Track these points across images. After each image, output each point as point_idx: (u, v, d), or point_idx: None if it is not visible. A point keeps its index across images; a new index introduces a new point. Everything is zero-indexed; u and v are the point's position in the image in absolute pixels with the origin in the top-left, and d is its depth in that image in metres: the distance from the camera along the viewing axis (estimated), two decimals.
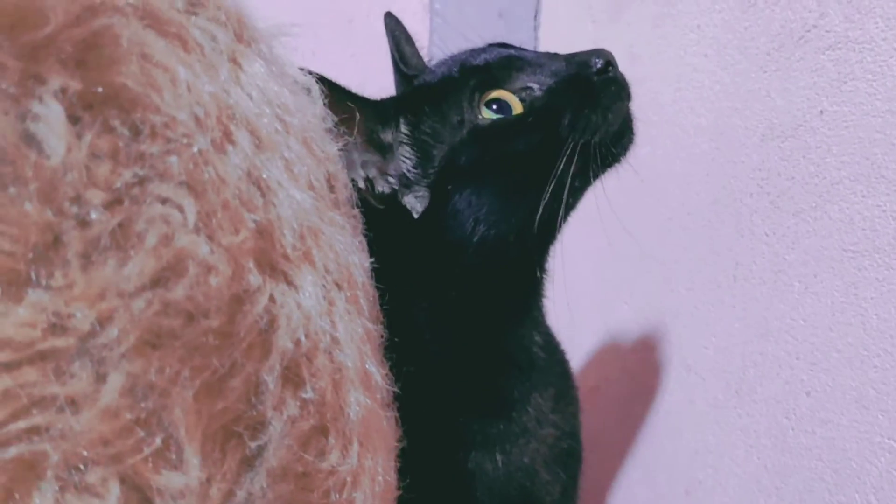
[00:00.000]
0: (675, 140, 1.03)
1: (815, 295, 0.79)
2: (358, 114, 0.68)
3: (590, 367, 1.22)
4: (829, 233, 0.77)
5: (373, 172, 0.72)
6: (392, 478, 0.54)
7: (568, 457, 0.80)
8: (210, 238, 0.40)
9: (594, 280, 1.24)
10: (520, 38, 1.21)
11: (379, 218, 0.65)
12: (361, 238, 0.59)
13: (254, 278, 0.42)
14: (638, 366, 1.10)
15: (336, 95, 0.64)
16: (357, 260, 0.54)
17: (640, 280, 0.92)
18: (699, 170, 0.98)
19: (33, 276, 0.35)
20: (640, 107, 1.07)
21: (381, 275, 0.60)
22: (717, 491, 0.92)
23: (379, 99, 0.74)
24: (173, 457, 0.39)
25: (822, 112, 0.79)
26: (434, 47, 1.57)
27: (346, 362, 0.48)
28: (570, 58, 0.72)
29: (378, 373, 0.53)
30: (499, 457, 0.74)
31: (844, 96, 0.76)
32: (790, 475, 0.81)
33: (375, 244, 0.60)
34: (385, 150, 0.72)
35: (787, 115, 0.83)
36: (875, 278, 0.72)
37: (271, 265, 0.44)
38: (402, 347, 0.61)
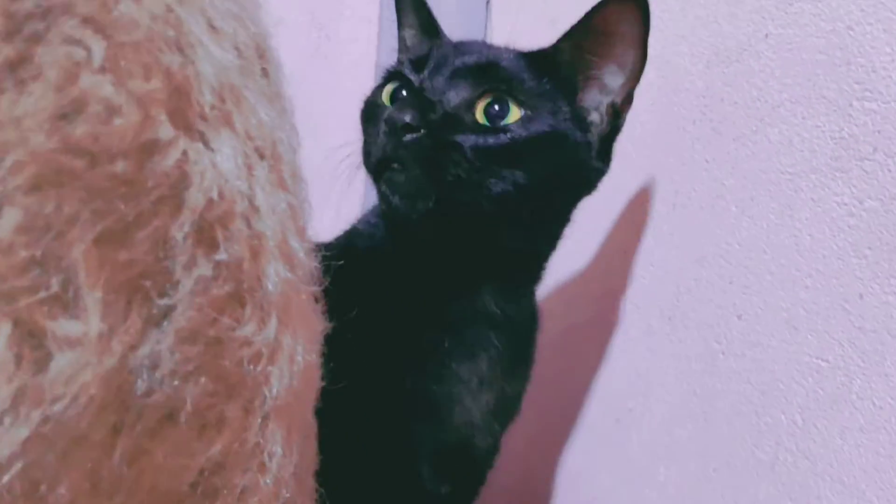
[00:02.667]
0: None
1: (750, 218, 0.79)
2: None
3: None
4: (767, 156, 0.77)
5: None
6: (314, 360, 0.53)
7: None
8: (117, 80, 0.38)
9: None
10: None
11: None
12: (293, 124, 0.57)
13: (164, 130, 0.40)
14: (574, 298, 1.10)
15: None
16: (284, 137, 0.52)
17: (579, 211, 0.91)
18: (644, 100, 0.97)
19: None
20: None
21: None
22: (646, 417, 0.93)
23: None
24: (71, 303, 0.37)
25: (767, 35, 0.78)
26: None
27: (265, 232, 0.46)
28: None
29: (301, 249, 0.51)
30: (434, 386, 0.74)
31: (790, 18, 0.76)
32: (718, 399, 0.82)
33: None
34: None
35: (733, 40, 0.83)
36: (811, 199, 0.72)
37: (186, 123, 0.42)
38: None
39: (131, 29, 0.39)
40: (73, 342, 0.37)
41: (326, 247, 0.71)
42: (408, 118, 0.66)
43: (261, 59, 0.51)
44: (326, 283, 0.57)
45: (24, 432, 0.36)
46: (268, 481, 0.47)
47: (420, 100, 0.70)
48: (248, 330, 0.45)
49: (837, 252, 0.69)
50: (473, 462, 0.81)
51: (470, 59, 0.73)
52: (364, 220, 0.84)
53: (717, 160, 0.84)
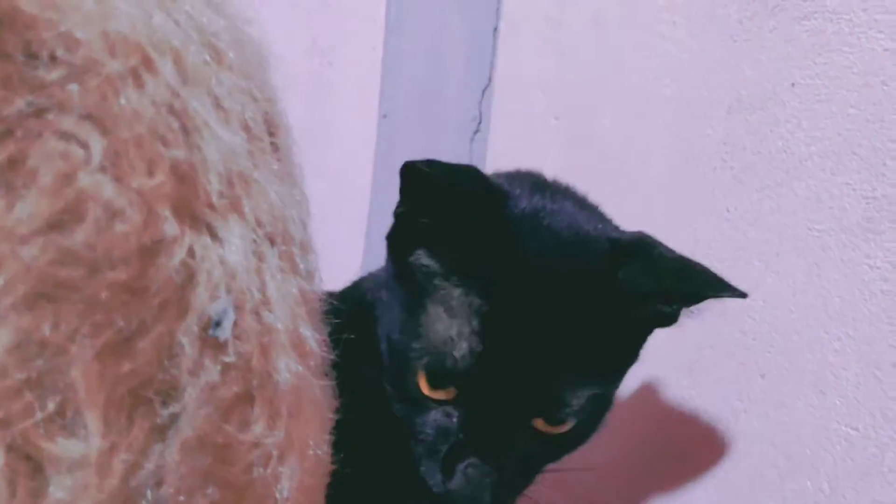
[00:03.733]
0: (638, 111, 1.00)
1: (776, 274, 0.76)
2: None
3: None
4: (793, 210, 0.75)
5: None
6: (325, 452, 0.50)
7: None
8: (118, 179, 0.35)
9: None
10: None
11: None
12: (302, 191, 0.54)
13: (170, 227, 0.37)
14: None
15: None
16: (295, 214, 0.49)
17: None
18: (661, 142, 0.94)
19: None
20: (603, 76, 1.03)
21: None
22: (666, 473, 0.90)
23: None
24: (70, 423, 0.34)
25: (793, 84, 0.76)
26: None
27: (276, 325, 0.43)
28: None
29: (313, 337, 0.48)
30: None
31: (818, 69, 0.73)
32: (740, 460, 0.79)
33: None
34: None
35: (757, 87, 0.80)
36: (840, 259, 0.69)
37: (192, 214, 0.39)
38: None
39: (133, 121, 0.37)
40: (72, 464, 0.34)
41: (336, 297, 0.68)
42: None
43: (270, 133, 0.49)
44: (336, 337, 0.54)
45: None
46: None
47: (487, 476, 0.60)
48: (257, 431, 0.42)
49: (869, 317, 0.67)
50: None
51: (531, 379, 0.59)
52: (378, 274, 0.78)
53: (740, 210, 0.81)
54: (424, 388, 0.61)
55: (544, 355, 0.59)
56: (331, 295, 0.64)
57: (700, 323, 0.84)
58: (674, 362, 0.89)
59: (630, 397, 0.97)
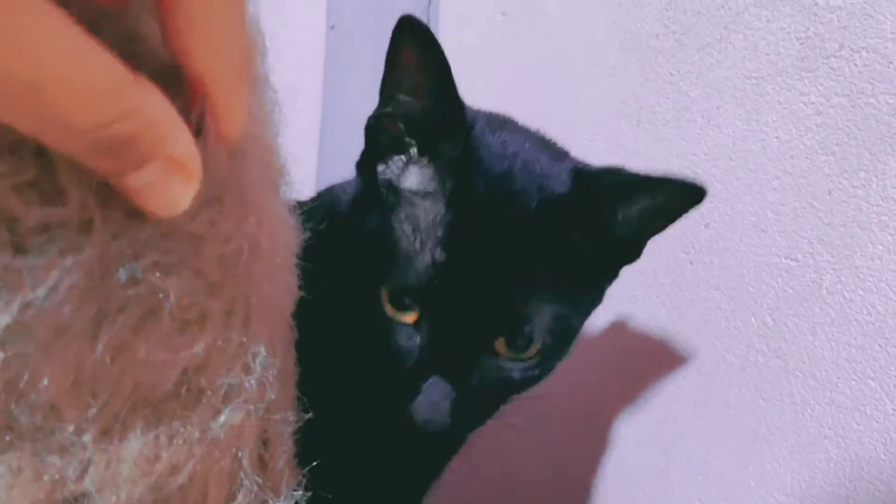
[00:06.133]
0: None
1: (717, 127, 0.79)
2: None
3: None
4: (732, 63, 0.77)
5: None
6: (292, 263, 0.52)
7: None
8: None
9: None
10: None
11: None
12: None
13: None
14: None
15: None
16: None
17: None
18: (605, 18, 0.97)
19: None
20: None
21: None
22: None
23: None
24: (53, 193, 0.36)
25: None
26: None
27: None
28: None
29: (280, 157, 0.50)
30: None
31: None
32: (687, 309, 0.83)
33: None
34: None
35: None
36: (777, 101, 0.72)
37: None
38: None
39: None
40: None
41: (305, 206, 0.68)
42: (446, 427, 0.61)
43: None
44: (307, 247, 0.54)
45: (4, 319, 0.35)
46: (252, 382, 0.46)
47: (447, 397, 0.61)
48: (227, 227, 0.44)
49: (805, 151, 0.70)
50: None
51: (493, 294, 0.61)
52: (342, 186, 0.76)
53: (682, 72, 0.84)
54: (388, 309, 0.63)
55: (506, 270, 0.60)
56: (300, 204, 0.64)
57: None
58: None
59: None
